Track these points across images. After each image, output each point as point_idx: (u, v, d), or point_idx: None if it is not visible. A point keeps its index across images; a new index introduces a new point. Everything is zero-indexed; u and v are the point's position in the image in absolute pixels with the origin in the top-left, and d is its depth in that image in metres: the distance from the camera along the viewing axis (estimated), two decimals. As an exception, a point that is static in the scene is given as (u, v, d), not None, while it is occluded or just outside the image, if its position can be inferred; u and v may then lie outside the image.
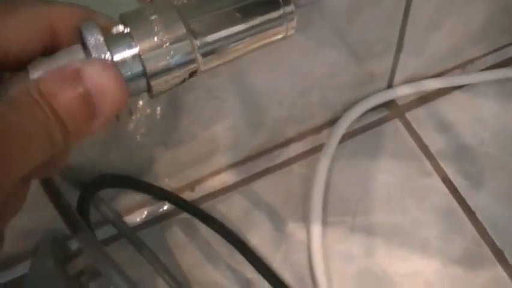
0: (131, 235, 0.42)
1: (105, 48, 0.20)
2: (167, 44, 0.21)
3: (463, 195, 0.44)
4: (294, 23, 0.24)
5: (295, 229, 0.43)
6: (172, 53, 0.21)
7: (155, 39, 0.21)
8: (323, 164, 0.44)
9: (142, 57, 0.21)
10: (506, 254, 0.41)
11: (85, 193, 0.39)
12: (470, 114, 0.48)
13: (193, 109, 0.38)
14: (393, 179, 0.45)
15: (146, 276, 0.40)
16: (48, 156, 0.19)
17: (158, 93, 0.22)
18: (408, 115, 0.49)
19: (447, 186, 0.45)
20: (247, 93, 0.40)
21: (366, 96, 0.48)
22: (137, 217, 0.44)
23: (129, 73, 0.21)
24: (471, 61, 0.51)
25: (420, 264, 0.41)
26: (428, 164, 0.46)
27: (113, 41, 0.21)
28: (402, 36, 0.44)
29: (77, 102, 0.19)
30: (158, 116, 0.37)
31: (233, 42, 0.23)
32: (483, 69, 0.51)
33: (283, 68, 0.40)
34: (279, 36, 0.25)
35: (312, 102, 0.45)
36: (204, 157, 0.44)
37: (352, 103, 0.48)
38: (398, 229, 0.43)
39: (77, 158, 0.37)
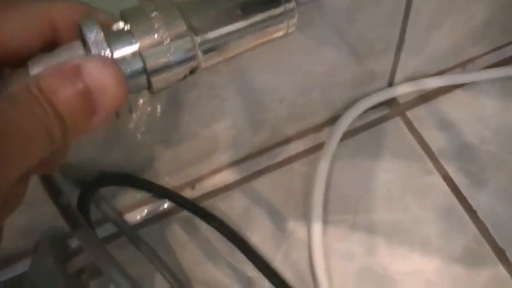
0: (131, 233, 0.41)
1: (105, 44, 0.20)
2: (168, 40, 0.21)
3: (464, 193, 0.44)
4: (295, 20, 0.24)
5: (296, 227, 0.43)
6: (172, 49, 0.21)
7: (156, 36, 0.21)
8: (324, 162, 0.44)
9: (142, 54, 0.21)
10: (508, 253, 0.41)
11: (85, 191, 0.39)
12: (471, 112, 0.48)
13: (193, 107, 0.38)
14: (394, 177, 0.45)
15: (146, 274, 0.40)
16: (47, 153, 0.19)
17: (158, 90, 0.22)
18: (409, 113, 0.48)
19: (448, 185, 0.44)
20: (248, 91, 0.40)
21: (367, 94, 0.48)
22: (137, 215, 0.44)
23: (129, 70, 0.21)
24: (472, 60, 0.51)
25: (421, 263, 0.41)
26: (429, 162, 0.46)
27: (113, 38, 0.21)
28: (403, 34, 0.43)
29: (77, 99, 0.19)
30: (158, 114, 0.37)
31: (234, 39, 0.23)
32: (484, 68, 0.51)
33: (284, 66, 0.40)
34: (280, 33, 0.25)
35: (313, 100, 0.44)
36: (204, 155, 0.44)
37: (353, 101, 0.48)
38: (399, 227, 0.43)
39: (78, 155, 0.37)
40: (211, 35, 0.22)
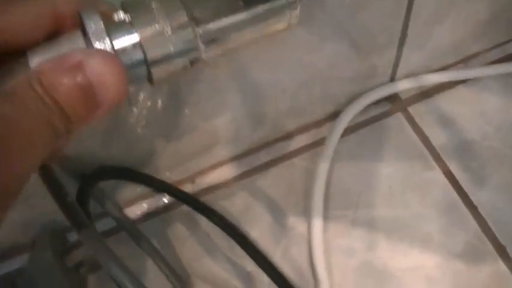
0: (131, 227, 0.41)
1: (105, 35, 0.20)
2: (169, 31, 0.21)
3: (465, 189, 0.44)
4: (297, 12, 0.24)
5: (296, 223, 0.43)
6: (173, 40, 0.21)
7: (157, 26, 0.21)
8: (325, 157, 0.44)
9: (142, 44, 0.20)
10: (508, 249, 0.41)
11: (85, 184, 0.39)
12: (473, 108, 0.48)
13: (194, 101, 0.38)
14: (395, 173, 0.45)
15: (146, 268, 0.40)
16: (49, 153, 0.19)
17: (159, 81, 0.22)
18: (411, 109, 0.48)
19: (449, 181, 0.44)
20: (249, 86, 0.40)
21: (369, 90, 0.48)
22: (137, 209, 0.44)
23: (129, 60, 0.20)
24: (474, 55, 0.51)
25: (422, 259, 0.41)
26: (430, 158, 0.46)
27: (113, 28, 0.20)
28: (405, 29, 0.43)
29: (79, 95, 0.19)
30: (159, 108, 0.37)
31: (235, 31, 0.23)
32: (487, 64, 0.51)
33: (286, 61, 0.39)
34: (282, 26, 0.24)
35: (314, 95, 0.44)
36: (204, 150, 0.43)
37: (354, 97, 0.47)
38: (400, 223, 0.43)
39: (77, 149, 0.37)
40: (213, 26, 0.22)
